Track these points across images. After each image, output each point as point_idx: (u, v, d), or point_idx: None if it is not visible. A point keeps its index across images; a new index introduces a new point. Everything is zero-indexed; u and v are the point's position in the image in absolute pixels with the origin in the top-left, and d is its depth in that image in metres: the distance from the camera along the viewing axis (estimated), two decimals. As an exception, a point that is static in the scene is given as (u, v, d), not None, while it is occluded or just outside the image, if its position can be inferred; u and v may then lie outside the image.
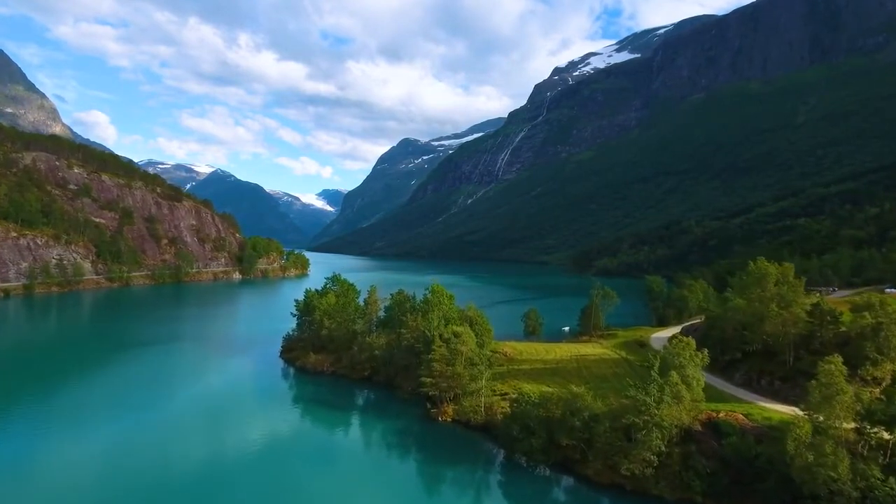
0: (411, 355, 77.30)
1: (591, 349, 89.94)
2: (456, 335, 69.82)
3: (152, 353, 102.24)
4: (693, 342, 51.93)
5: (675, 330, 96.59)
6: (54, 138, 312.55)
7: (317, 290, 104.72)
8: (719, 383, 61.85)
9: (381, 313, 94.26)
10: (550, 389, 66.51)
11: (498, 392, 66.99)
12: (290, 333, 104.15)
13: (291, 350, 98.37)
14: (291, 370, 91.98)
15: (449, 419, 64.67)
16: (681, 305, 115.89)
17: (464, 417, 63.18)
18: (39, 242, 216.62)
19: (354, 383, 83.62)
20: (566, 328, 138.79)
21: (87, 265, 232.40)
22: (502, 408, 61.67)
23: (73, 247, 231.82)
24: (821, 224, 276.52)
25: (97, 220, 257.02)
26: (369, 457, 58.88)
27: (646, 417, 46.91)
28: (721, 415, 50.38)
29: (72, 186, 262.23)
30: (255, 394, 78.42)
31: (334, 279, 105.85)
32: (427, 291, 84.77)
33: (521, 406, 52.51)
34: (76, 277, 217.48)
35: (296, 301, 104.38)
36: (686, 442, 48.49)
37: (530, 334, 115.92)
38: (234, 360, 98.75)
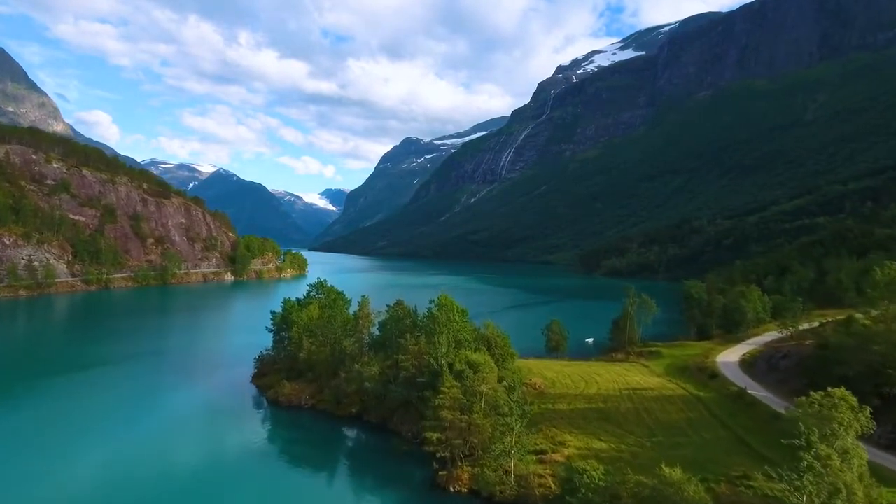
0: (412, 388, 59.05)
1: (640, 377, 71.31)
2: (472, 367, 51.39)
3: (100, 377, 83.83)
4: (851, 397, 33.85)
5: (742, 350, 78.57)
6: (32, 131, 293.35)
7: (298, 300, 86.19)
8: (852, 443, 43.42)
9: (375, 330, 75.23)
10: (605, 445, 48.24)
11: (531, 447, 48.25)
12: (264, 352, 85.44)
13: (264, 375, 79.50)
14: (264, 401, 73.41)
15: (464, 488, 45.89)
16: (738, 317, 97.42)
17: (485, 489, 44.21)
18: (7, 242, 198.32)
19: (339, 423, 64.68)
20: (590, 340, 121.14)
21: (61, 266, 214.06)
22: (541, 477, 43.28)
23: (45, 246, 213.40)
24: (843, 223, 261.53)
25: (76, 217, 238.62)
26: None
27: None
28: (905, 516, 32.32)
29: (49, 182, 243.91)
30: (206, 440, 59.51)
31: (319, 286, 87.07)
32: (433, 304, 65.43)
33: (580, 492, 34.15)
34: (48, 280, 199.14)
35: (272, 313, 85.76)
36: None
37: (553, 350, 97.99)
38: (195, 386, 79.94)
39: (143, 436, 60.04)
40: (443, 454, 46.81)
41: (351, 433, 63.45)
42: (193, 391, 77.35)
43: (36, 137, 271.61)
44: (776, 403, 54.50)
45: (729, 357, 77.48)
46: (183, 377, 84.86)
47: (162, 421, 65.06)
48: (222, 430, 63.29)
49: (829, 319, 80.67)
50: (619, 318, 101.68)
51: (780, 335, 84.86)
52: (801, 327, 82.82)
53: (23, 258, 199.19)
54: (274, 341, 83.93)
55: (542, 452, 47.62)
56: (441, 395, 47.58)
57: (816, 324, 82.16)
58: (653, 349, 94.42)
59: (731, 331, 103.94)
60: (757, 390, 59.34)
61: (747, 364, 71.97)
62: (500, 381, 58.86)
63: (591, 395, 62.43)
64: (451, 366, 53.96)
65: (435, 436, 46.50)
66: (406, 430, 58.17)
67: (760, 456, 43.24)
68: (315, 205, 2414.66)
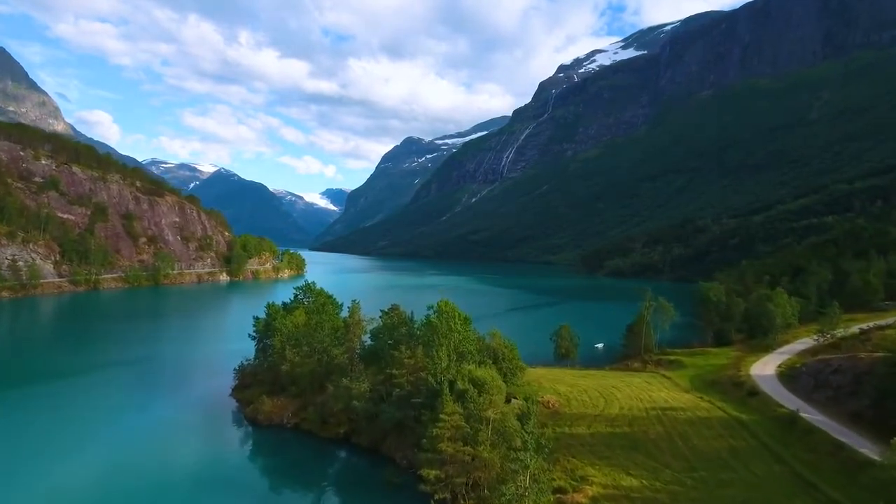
0: (407, 408, 51.25)
1: (665, 392, 63.31)
2: (477, 386, 43.65)
3: (65, 389, 75.97)
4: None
5: (776, 360, 70.72)
6: (21, 127, 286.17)
7: (283, 304, 78.30)
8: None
9: (367, 338, 67.25)
10: (636, 483, 40.39)
11: (547, 484, 40.33)
12: (245, 362, 77.33)
13: (245, 387, 71.47)
14: (242, 418, 65.38)
15: (468, 535, 38.28)
16: (765, 323, 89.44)
17: (495, 538, 36.65)
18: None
19: (324, 445, 56.56)
20: (599, 345, 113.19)
21: (47, 266, 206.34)
22: (562, 525, 35.56)
23: (31, 246, 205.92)
24: (854, 222, 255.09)
25: (64, 216, 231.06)
26: None
27: None
28: None
29: (37, 179, 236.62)
30: (170, 465, 51.21)
31: (306, 288, 79.17)
32: (431, 310, 57.36)
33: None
34: (32, 280, 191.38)
35: (255, 319, 77.81)
36: None
37: (563, 357, 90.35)
38: (168, 400, 71.95)
39: (99, 459, 52.17)
40: (442, 495, 38.87)
41: (337, 458, 55.21)
42: (165, 406, 69.36)
43: (25, 134, 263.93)
44: (835, 430, 46.68)
45: (763, 369, 68.91)
46: (157, 389, 76.94)
47: (124, 441, 56.99)
48: (191, 453, 55.37)
49: (871, 325, 73.07)
50: (634, 323, 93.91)
51: (816, 342, 77.03)
52: (837, 334, 75.11)
53: (6, 258, 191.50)
54: (256, 350, 75.98)
55: (562, 491, 39.56)
56: (440, 424, 39.68)
57: (856, 329, 74.52)
58: (672, 357, 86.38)
59: (754, 336, 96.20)
60: (806, 411, 51.28)
61: (787, 378, 63.36)
62: (507, 399, 51.19)
63: (614, 415, 54.30)
64: (451, 384, 46.16)
65: (433, 473, 38.47)
66: (400, 457, 50.25)
67: (831, 501, 35.61)
68: (316, 204, 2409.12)
